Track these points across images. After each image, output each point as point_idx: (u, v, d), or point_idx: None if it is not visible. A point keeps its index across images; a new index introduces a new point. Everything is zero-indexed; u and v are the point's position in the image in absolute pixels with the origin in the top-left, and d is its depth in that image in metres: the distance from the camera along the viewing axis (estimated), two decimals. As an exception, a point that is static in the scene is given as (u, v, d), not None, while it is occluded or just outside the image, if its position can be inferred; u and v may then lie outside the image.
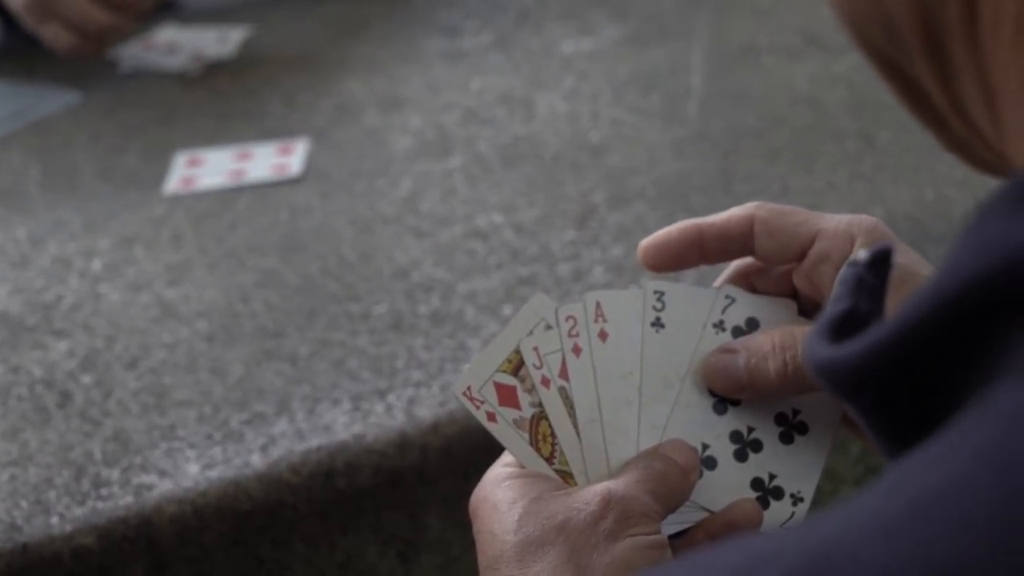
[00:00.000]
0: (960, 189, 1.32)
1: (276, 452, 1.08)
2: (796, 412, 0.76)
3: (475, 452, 1.10)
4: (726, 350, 0.75)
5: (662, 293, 0.77)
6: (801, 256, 0.75)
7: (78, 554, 1.03)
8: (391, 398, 1.12)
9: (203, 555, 1.07)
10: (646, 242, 0.78)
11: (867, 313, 0.45)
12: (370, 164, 1.52)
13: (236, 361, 1.19)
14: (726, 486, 0.75)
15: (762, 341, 0.74)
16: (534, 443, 0.75)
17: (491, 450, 1.09)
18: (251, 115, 1.68)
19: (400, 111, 1.64)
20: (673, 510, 0.73)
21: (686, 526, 0.74)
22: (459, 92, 1.67)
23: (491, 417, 0.75)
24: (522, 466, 0.74)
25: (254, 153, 1.57)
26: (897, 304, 0.67)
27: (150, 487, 1.06)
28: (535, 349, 0.75)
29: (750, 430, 0.76)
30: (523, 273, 1.27)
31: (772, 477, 0.76)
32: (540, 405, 0.75)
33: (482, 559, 0.70)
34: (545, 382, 0.75)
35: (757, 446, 0.76)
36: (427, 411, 1.10)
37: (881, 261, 0.48)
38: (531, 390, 0.75)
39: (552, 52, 1.75)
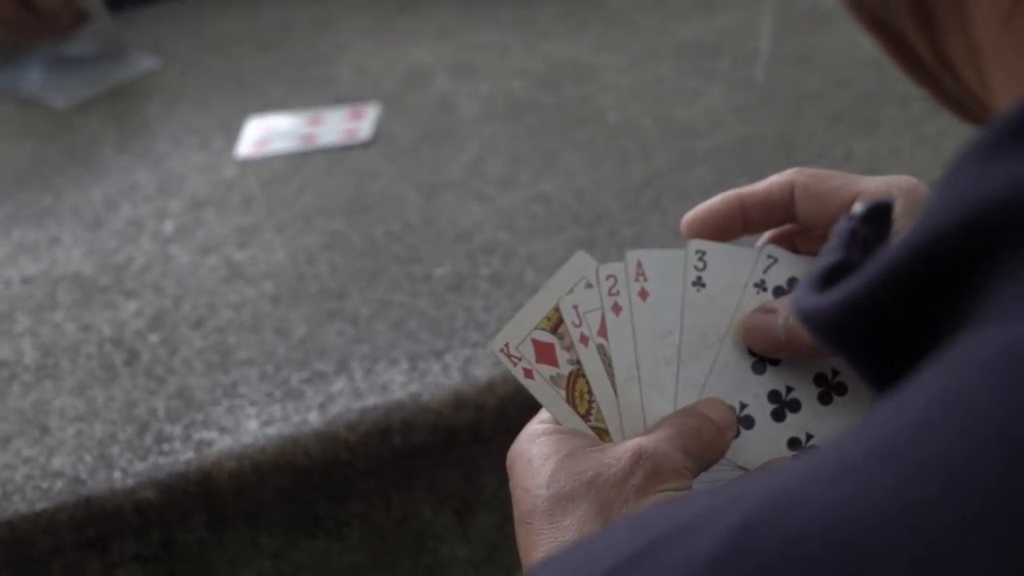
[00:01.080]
0: (1024, 153, 1.31)
1: (334, 410, 1.10)
2: (836, 373, 0.76)
3: (530, 412, 1.11)
4: (765, 310, 0.75)
5: (704, 252, 0.77)
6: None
7: (139, 507, 1.06)
8: (448, 358, 1.13)
9: (261, 510, 1.09)
10: (689, 215, 0.78)
11: (859, 265, 0.46)
12: (438, 129, 1.53)
13: (299, 321, 1.21)
14: (763, 445, 0.75)
15: None
16: (570, 400, 0.75)
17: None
18: (324, 81, 1.70)
19: (470, 77, 1.65)
20: (707, 467, 0.73)
21: (721, 484, 0.75)
22: (528, 58, 1.68)
23: (528, 374, 0.75)
24: (558, 423, 0.75)
25: (325, 118, 1.59)
26: None
27: (210, 443, 1.08)
28: (575, 307, 0.76)
29: (789, 390, 0.76)
30: (583, 235, 1.28)
31: (809, 437, 0.76)
32: (578, 363, 0.75)
33: (516, 513, 0.70)
34: (584, 340, 0.75)
35: (795, 406, 0.76)
36: (483, 371, 1.11)
37: (880, 215, 0.48)
38: (569, 348, 0.75)
39: (621, 19, 1.75)
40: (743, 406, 0.75)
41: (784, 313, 0.74)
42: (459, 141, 1.50)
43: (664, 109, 1.50)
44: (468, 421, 1.10)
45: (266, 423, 1.09)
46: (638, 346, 0.76)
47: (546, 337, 0.76)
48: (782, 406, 0.76)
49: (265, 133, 1.57)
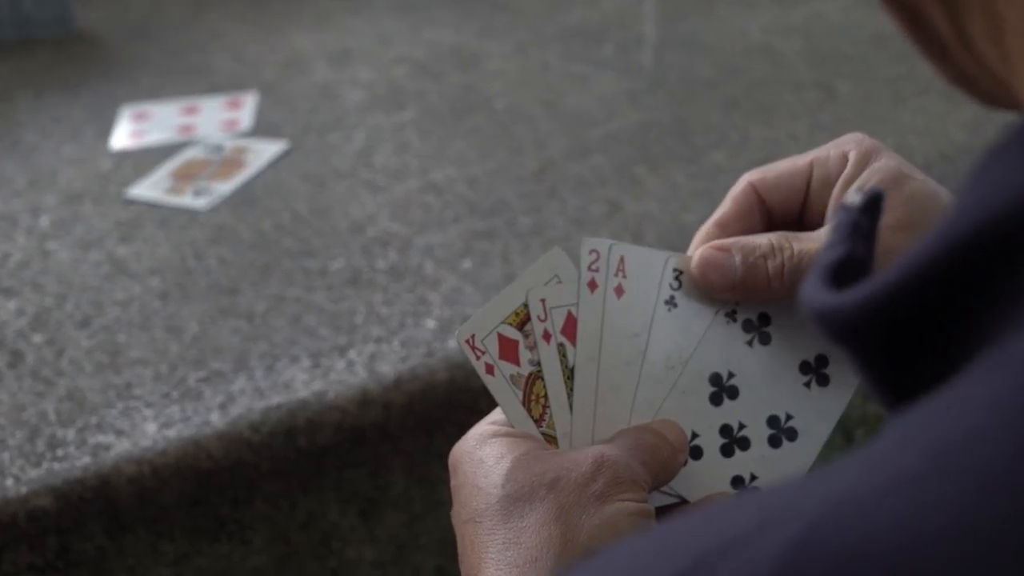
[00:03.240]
0: (921, 138, 1.31)
1: (235, 410, 1.06)
2: (789, 417, 0.75)
3: (438, 409, 1.08)
4: (718, 248, 0.73)
5: (680, 273, 0.75)
6: (808, 191, 0.74)
7: (34, 516, 1.01)
8: (352, 354, 1.10)
9: (163, 515, 1.05)
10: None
11: (863, 258, 0.44)
12: (322, 118, 1.50)
13: (191, 318, 1.17)
14: (706, 478, 0.74)
15: (757, 241, 0.72)
16: (526, 402, 0.73)
17: (455, 408, 1.08)
18: (199, 69, 1.65)
19: (350, 64, 1.62)
20: (659, 486, 0.71)
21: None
22: (410, 45, 1.65)
23: (489, 369, 0.73)
24: (509, 425, 0.73)
25: (202, 107, 1.54)
26: (898, 206, 0.66)
27: (107, 447, 1.04)
28: (542, 301, 0.74)
29: (741, 427, 0.74)
30: (481, 226, 1.25)
31: (753, 478, 0.74)
32: (538, 364, 0.73)
33: (464, 512, 0.68)
34: (546, 336, 0.73)
35: (744, 444, 0.74)
36: (389, 367, 1.09)
37: (874, 204, 0.47)
38: (532, 347, 0.73)
39: (504, 5, 1.73)
40: (694, 435, 0.74)
41: (740, 253, 0.72)
42: (344, 130, 1.46)
43: (553, 96, 1.48)
44: (375, 419, 1.07)
45: (165, 425, 1.05)
46: (604, 339, 0.74)
47: (512, 333, 0.74)
48: (732, 442, 0.75)
49: (140, 124, 1.52)
